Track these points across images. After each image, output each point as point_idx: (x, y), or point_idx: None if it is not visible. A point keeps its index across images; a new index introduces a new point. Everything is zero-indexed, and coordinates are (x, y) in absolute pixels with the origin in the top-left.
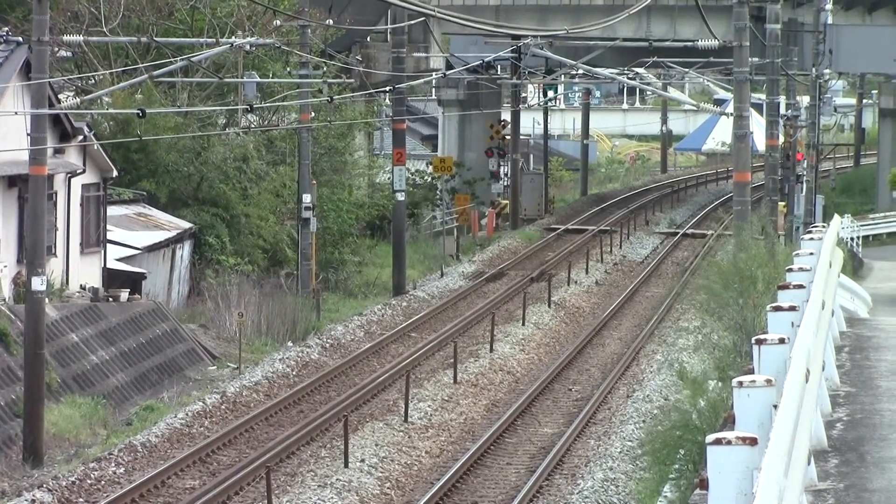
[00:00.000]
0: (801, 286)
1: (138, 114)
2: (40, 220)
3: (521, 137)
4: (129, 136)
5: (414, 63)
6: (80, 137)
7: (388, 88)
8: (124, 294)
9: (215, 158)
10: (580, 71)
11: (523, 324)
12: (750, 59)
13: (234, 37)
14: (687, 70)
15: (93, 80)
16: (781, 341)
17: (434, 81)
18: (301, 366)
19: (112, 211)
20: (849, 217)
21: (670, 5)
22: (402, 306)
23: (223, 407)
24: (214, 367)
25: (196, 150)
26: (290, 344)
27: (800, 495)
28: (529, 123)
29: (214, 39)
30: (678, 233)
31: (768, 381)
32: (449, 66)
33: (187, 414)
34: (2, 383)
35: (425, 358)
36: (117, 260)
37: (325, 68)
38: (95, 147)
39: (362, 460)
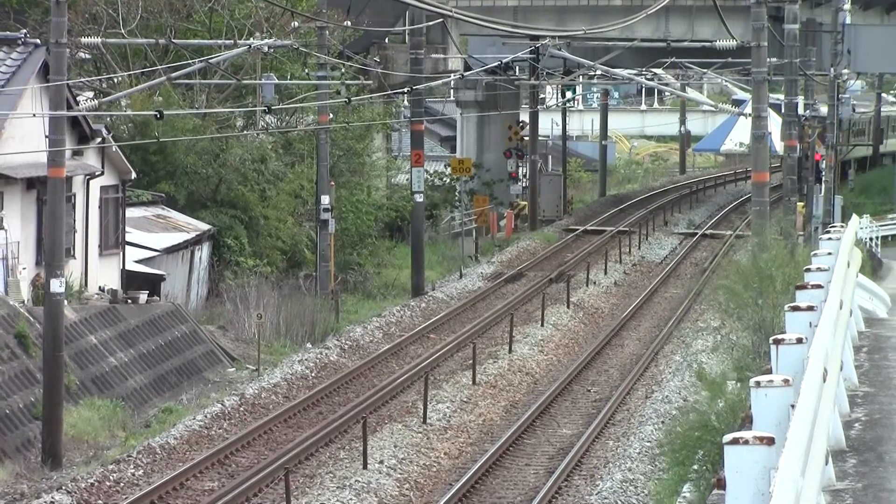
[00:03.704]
0: (819, 286)
1: (156, 115)
2: (59, 222)
3: (540, 138)
4: (147, 138)
5: (432, 64)
6: (99, 139)
7: (406, 90)
8: (143, 296)
9: (233, 160)
10: (598, 71)
11: (542, 325)
12: (768, 60)
13: (252, 38)
14: (705, 70)
15: (112, 82)
16: (799, 341)
17: (452, 83)
18: (320, 367)
19: (131, 213)
20: (867, 217)
21: (688, 6)
22: (421, 307)
23: (242, 409)
24: (233, 369)
25: (214, 151)
26: (308, 345)
27: (817, 495)
28: (548, 124)
29: (233, 41)
30: (697, 233)
31: (786, 381)
32: (467, 67)
33: (206, 416)
34: (21, 385)
35: (444, 359)
36: (136, 262)
37: (343, 70)
38: (114, 149)
39: (381, 462)
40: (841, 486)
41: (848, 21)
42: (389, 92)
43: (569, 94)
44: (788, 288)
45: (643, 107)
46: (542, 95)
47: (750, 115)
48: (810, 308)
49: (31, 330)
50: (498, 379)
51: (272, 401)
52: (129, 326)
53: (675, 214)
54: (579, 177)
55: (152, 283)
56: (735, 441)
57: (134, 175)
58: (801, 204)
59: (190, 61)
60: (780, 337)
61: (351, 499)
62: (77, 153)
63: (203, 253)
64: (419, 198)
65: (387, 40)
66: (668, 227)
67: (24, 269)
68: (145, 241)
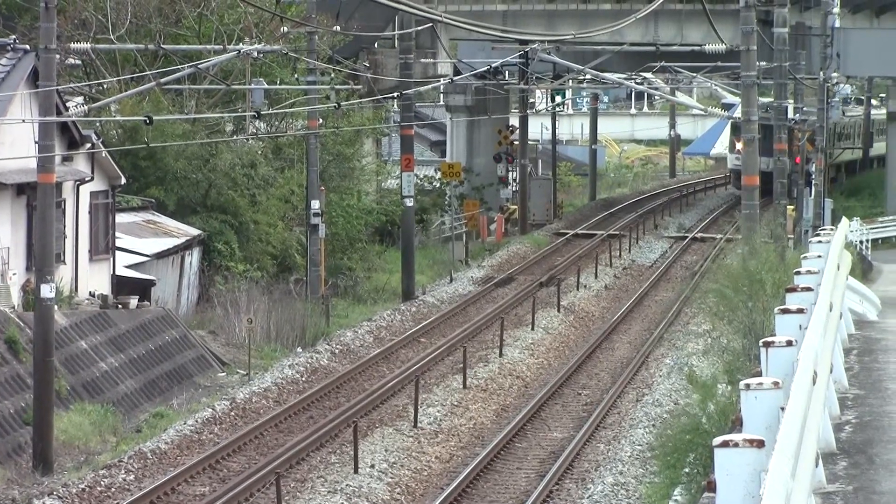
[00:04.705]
0: (808, 289)
1: (146, 121)
2: (49, 228)
3: (530, 143)
4: (137, 143)
5: (422, 69)
6: (88, 145)
7: (396, 94)
8: (133, 301)
9: (223, 165)
10: (588, 76)
11: (532, 328)
12: (757, 63)
13: (241, 44)
14: (695, 74)
15: (101, 88)
16: (789, 344)
17: (442, 87)
18: (310, 371)
19: (121, 218)
20: (857, 220)
21: (677, 10)
22: (412, 312)
23: (233, 413)
24: (224, 374)
25: (204, 156)
26: (299, 350)
27: (808, 497)
28: (537, 129)
29: (222, 46)
30: (687, 237)
31: (775, 384)
32: (457, 72)
33: (197, 420)
34: (11, 391)
35: (435, 363)
36: (126, 267)
37: (332, 75)
38: (103, 154)
39: (372, 466)
40: (831, 488)
41: (837, 24)
42: (379, 97)
43: (558, 99)
44: (778, 291)
45: (633, 111)
46: (531, 100)
47: (739, 118)
48: (800, 311)
49: (21, 335)
50: (489, 383)
51: (263, 405)
52: (120, 331)
53: (666, 218)
54: (569, 181)
55: (142, 289)
56: (725, 444)
57: (124, 180)
58: (791, 207)
59: (179, 67)
60: (769, 340)
61: (342, 503)
62: (67, 159)
63: (193, 258)
64: (409, 202)
65: (376, 45)
66: (658, 231)
67: (14, 274)
68: (135, 247)
